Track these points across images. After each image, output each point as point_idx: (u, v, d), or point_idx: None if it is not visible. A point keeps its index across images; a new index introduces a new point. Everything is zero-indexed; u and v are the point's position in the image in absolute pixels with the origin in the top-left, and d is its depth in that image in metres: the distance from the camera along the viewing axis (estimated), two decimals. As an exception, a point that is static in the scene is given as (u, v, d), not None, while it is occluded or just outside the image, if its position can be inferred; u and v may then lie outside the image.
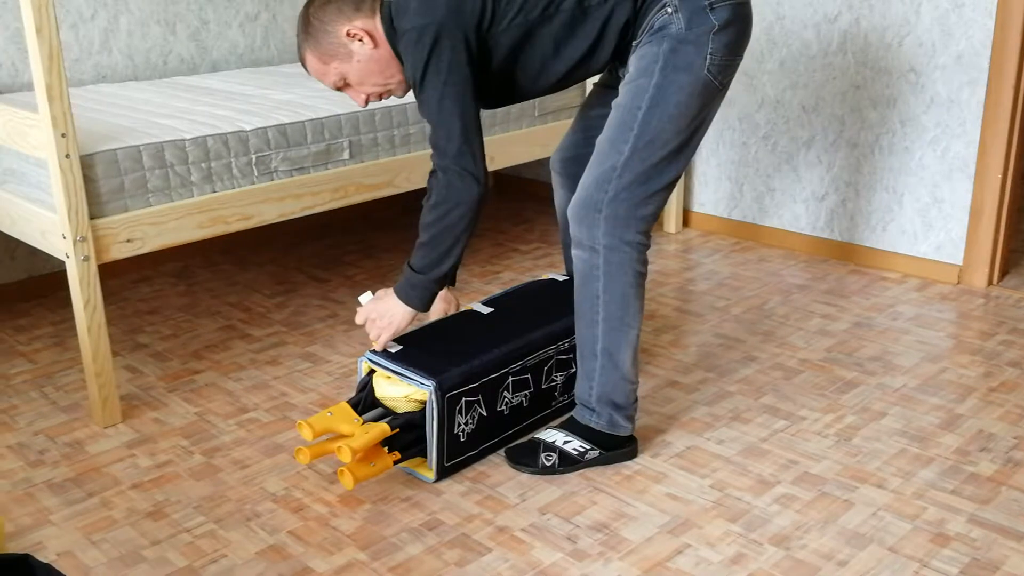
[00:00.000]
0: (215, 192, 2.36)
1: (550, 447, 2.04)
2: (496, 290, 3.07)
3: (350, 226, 3.82)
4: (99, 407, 2.24)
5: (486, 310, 2.24)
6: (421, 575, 1.73)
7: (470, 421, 2.02)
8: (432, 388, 1.92)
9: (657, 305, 2.93)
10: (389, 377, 1.99)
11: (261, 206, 2.43)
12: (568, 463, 2.03)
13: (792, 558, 1.76)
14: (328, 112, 2.57)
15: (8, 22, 2.91)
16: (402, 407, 1.98)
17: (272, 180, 2.46)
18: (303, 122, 2.50)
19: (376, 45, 1.93)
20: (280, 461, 2.11)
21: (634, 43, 1.92)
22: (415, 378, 1.94)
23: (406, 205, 4.09)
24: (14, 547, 1.82)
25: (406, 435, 1.95)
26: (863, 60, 3.10)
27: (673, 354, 2.60)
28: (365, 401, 2.01)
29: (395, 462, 1.94)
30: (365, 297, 2.09)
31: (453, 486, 2.00)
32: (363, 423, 1.94)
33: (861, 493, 1.96)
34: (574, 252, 1.97)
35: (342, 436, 1.93)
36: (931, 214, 3.07)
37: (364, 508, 1.93)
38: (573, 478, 2.03)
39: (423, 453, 1.99)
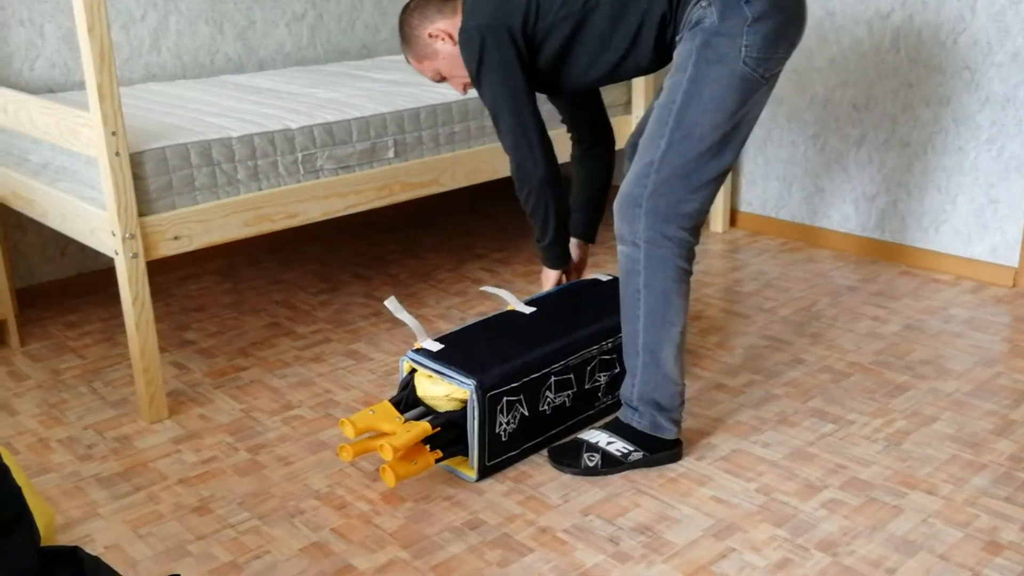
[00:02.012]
0: (261, 190, 2.37)
1: (593, 448, 2.03)
2: (537, 289, 3.05)
3: (394, 224, 3.84)
4: (146, 403, 2.27)
5: (528, 310, 2.23)
6: (463, 574, 1.73)
7: (512, 420, 2.01)
8: (473, 387, 1.91)
9: (703, 306, 2.90)
10: (431, 376, 1.99)
11: (306, 204, 2.45)
12: (611, 464, 2.02)
13: (839, 564, 1.73)
14: (373, 111, 2.58)
15: (61, 22, 2.96)
16: (443, 406, 1.98)
17: (317, 178, 2.47)
18: (349, 121, 2.51)
19: (456, 43, 2.11)
20: (324, 458, 2.12)
21: (676, 38, 1.93)
22: (456, 377, 1.94)
23: (450, 204, 4.09)
24: (64, 539, 1.85)
25: (447, 434, 1.95)
26: (916, 57, 3.04)
27: (719, 356, 2.57)
28: (407, 400, 2.01)
29: (436, 460, 1.94)
30: (390, 302, 2.10)
31: (495, 486, 2.00)
32: (405, 422, 1.94)
33: (911, 499, 1.92)
34: (618, 247, 1.97)
35: (384, 434, 1.93)
36: (986, 215, 3.00)
37: (406, 506, 1.93)
38: (616, 479, 2.01)
39: (465, 452, 1.99)
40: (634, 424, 2.03)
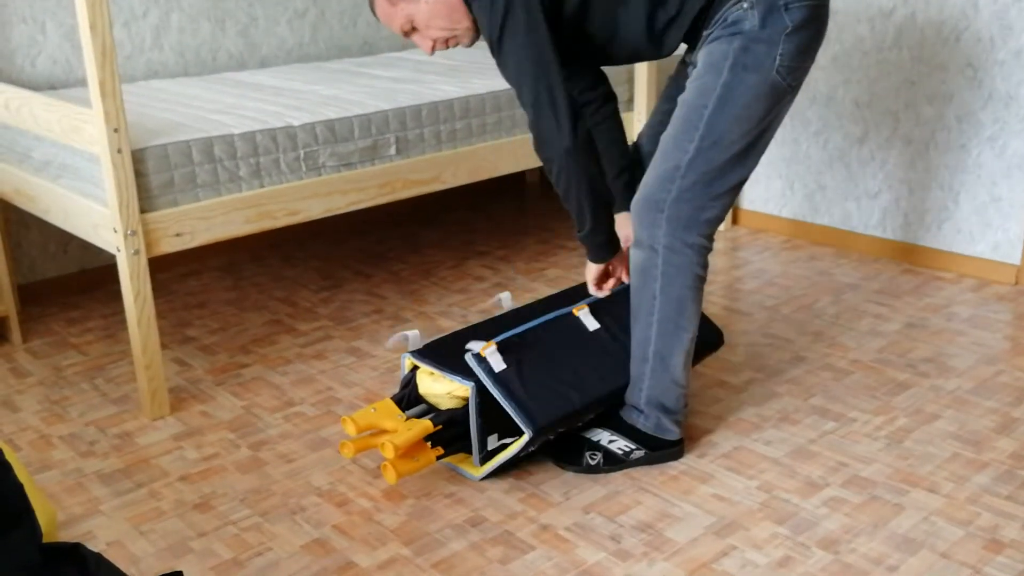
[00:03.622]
0: (263, 187, 2.37)
1: (595, 446, 2.03)
2: (541, 287, 3.05)
3: (396, 222, 3.83)
4: (148, 399, 2.27)
5: (593, 324, 2.18)
6: (464, 572, 1.73)
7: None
8: (473, 385, 1.91)
9: (705, 303, 2.90)
10: (432, 374, 1.99)
11: (308, 201, 2.45)
12: (612, 462, 2.02)
13: (840, 562, 1.73)
14: (375, 108, 2.58)
15: (63, 19, 2.96)
16: (445, 404, 1.98)
17: (319, 175, 2.47)
18: (351, 118, 2.51)
19: None
20: (325, 455, 2.12)
21: (705, 32, 1.86)
22: (457, 375, 1.94)
23: (452, 201, 4.09)
24: (65, 536, 1.85)
25: (449, 431, 1.95)
26: (919, 55, 3.03)
27: (720, 353, 2.57)
28: (409, 397, 2.01)
29: (438, 457, 1.94)
30: (412, 335, 2.07)
31: (497, 483, 2.00)
32: (406, 419, 1.94)
33: (912, 497, 1.92)
34: (633, 250, 1.94)
35: (385, 432, 1.94)
36: (988, 213, 3.00)
37: (408, 504, 1.93)
38: (618, 477, 2.01)
39: (467, 449, 1.99)
40: (638, 426, 2.03)
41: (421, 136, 2.66)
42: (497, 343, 1.94)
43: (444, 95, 2.73)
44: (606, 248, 2.00)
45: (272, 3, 3.41)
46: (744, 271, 3.16)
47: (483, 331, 2.13)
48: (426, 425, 1.89)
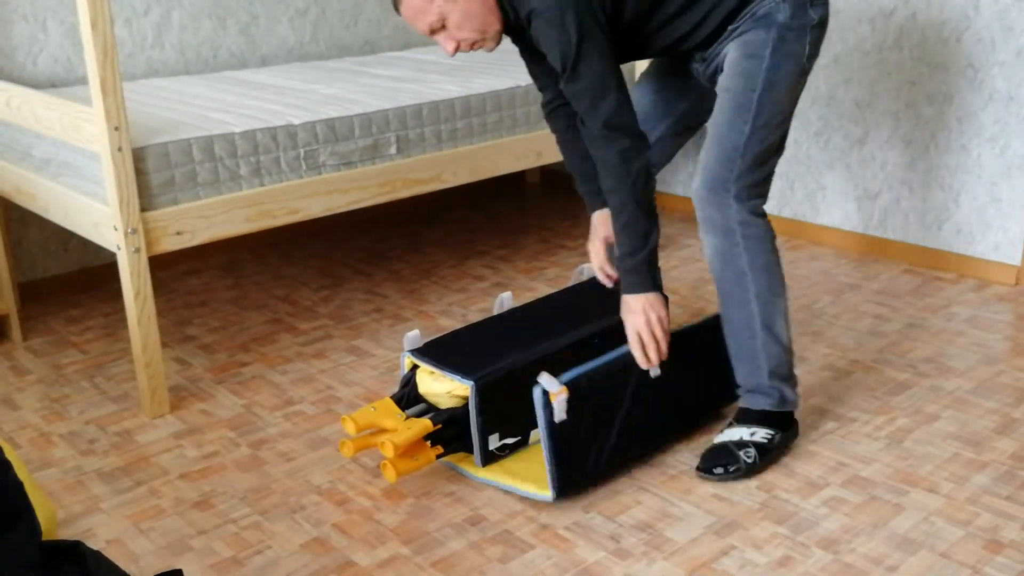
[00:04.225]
0: (263, 186, 2.37)
1: (745, 444, 2.00)
2: (542, 286, 3.06)
3: (396, 221, 3.84)
4: (148, 398, 2.27)
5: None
6: (463, 571, 1.73)
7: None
8: (473, 383, 1.91)
9: (705, 303, 2.90)
10: (432, 373, 1.99)
11: (308, 200, 2.45)
12: (765, 454, 2.01)
13: (840, 562, 1.73)
14: (376, 107, 2.58)
15: (64, 17, 2.96)
16: (444, 403, 1.98)
17: (320, 174, 2.47)
18: (351, 117, 2.51)
19: None
20: (325, 454, 2.12)
21: (730, 27, 1.94)
22: (457, 374, 1.94)
23: (452, 200, 4.09)
24: (65, 534, 1.85)
25: (449, 430, 1.95)
26: (919, 56, 3.03)
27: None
28: (408, 396, 2.01)
29: (438, 456, 1.94)
30: (412, 335, 2.06)
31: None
32: (406, 418, 1.94)
33: (912, 497, 1.92)
34: (706, 238, 1.98)
35: (385, 431, 1.94)
36: (988, 213, 3.00)
37: (407, 503, 1.93)
38: (617, 476, 2.01)
39: (467, 449, 1.99)
40: (766, 407, 2.04)
41: (422, 135, 2.66)
42: (567, 386, 1.85)
43: (445, 94, 2.73)
44: (658, 273, 1.95)
45: (273, 2, 3.41)
46: (744, 271, 3.16)
47: (487, 329, 2.13)
48: (426, 424, 1.90)
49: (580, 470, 1.90)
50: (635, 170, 1.87)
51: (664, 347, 1.96)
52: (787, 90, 1.92)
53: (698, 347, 2.10)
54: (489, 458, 1.99)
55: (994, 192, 2.97)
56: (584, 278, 2.27)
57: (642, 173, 1.88)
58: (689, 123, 2.22)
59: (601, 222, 2.19)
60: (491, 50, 1.97)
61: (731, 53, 1.94)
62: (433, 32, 1.89)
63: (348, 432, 1.93)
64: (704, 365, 2.12)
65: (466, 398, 1.96)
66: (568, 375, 1.88)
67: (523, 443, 2.05)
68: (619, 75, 1.87)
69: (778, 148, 1.97)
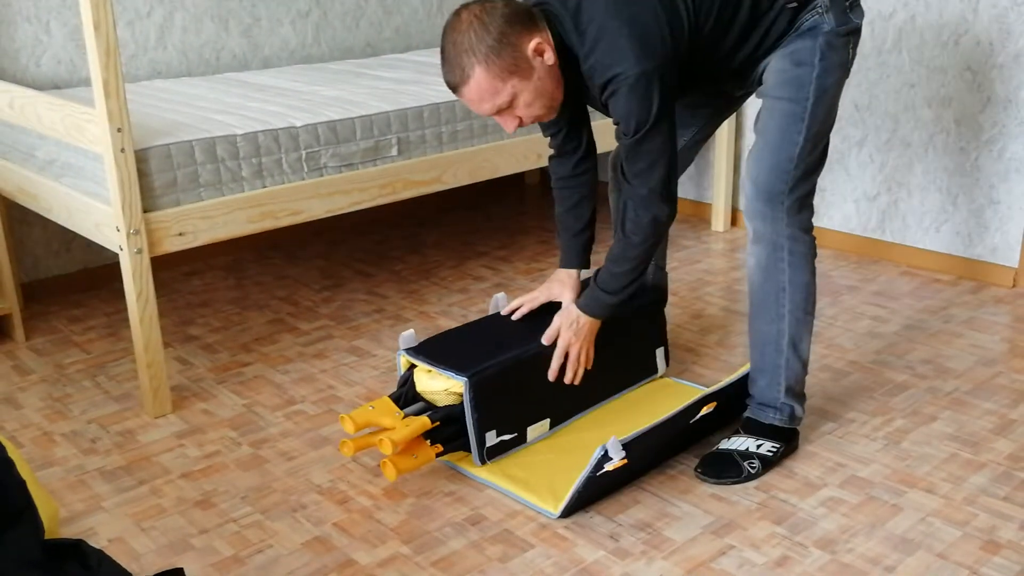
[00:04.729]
0: (265, 187, 2.38)
1: (751, 455, 2.01)
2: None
3: (397, 222, 3.85)
4: (150, 397, 2.28)
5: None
6: (463, 570, 1.74)
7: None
8: (467, 380, 1.92)
9: (704, 304, 2.91)
10: (429, 371, 2.01)
11: (310, 201, 2.46)
12: (767, 466, 2.02)
13: (838, 562, 1.74)
14: (377, 109, 2.59)
15: (67, 19, 2.97)
16: (442, 400, 1.99)
17: (321, 176, 2.48)
18: (352, 119, 2.52)
19: (555, 61, 1.80)
20: (326, 453, 2.13)
21: (778, 42, 1.91)
22: (453, 371, 1.95)
23: (453, 201, 4.11)
24: (67, 533, 1.86)
25: (447, 428, 1.96)
26: (918, 58, 3.05)
27: (720, 354, 2.58)
28: (407, 395, 2.02)
29: (437, 455, 1.95)
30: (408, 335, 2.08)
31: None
32: (404, 416, 1.95)
33: (910, 498, 1.93)
34: (752, 248, 1.97)
35: (384, 429, 1.95)
36: (986, 215, 3.01)
37: (408, 502, 1.94)
38: (616, 476, 2.02)
39: (466, 447, 2.00)
40: (776, 422, 2.05)
41: (422, 137, 2.67)
42: (625, 449, 1.80)
43: (446, 96, 2.74)
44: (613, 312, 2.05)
45: (275, 4, 3.43)
46: (743, 272, 3.17)
47: (482, 328, 2.15)
48: (424, 421, 1.91)
49: (593, 498, 1.92)
50: (658, 236, 1.92)
51: (580, 372, 2.08)
52: (834, 97, 1.90)
53: (733, 400, 2.11)
54: (487, 455, 2.00)
55: (992, 194, 2.98)
56: (497, 308, 2.24)
57: (661, 240, 1.94)
58: (709, 131, 2.24)
59: (559, 282, 2.15)
60: (548, 119, 1.94)
61: (776, 63, 1.90)
62: (497, 112, 1.82)
63: (346, 431, 1.94)
64: (731, 410, 2.15)
65: (462, 395, 1.97)
66: (628, 438, 1.81)
67: (521, 439, 2.07)
68: (675, 143, 1.86)
69: (823, 157, 1.94)
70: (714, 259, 3.31)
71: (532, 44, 1.75)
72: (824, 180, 3.37)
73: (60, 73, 3.00)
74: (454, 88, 1.79)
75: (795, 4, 1.86)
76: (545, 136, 2.15)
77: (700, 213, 3.80)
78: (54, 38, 2.96)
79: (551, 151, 2.16)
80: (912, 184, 3.16)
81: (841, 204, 3.36)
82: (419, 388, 2.02)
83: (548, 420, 2.12)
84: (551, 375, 2.06)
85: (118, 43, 2.03)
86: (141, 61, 3.17)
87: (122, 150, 2.09)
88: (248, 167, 2.35)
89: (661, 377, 2.39)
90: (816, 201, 3.41)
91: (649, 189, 1.87)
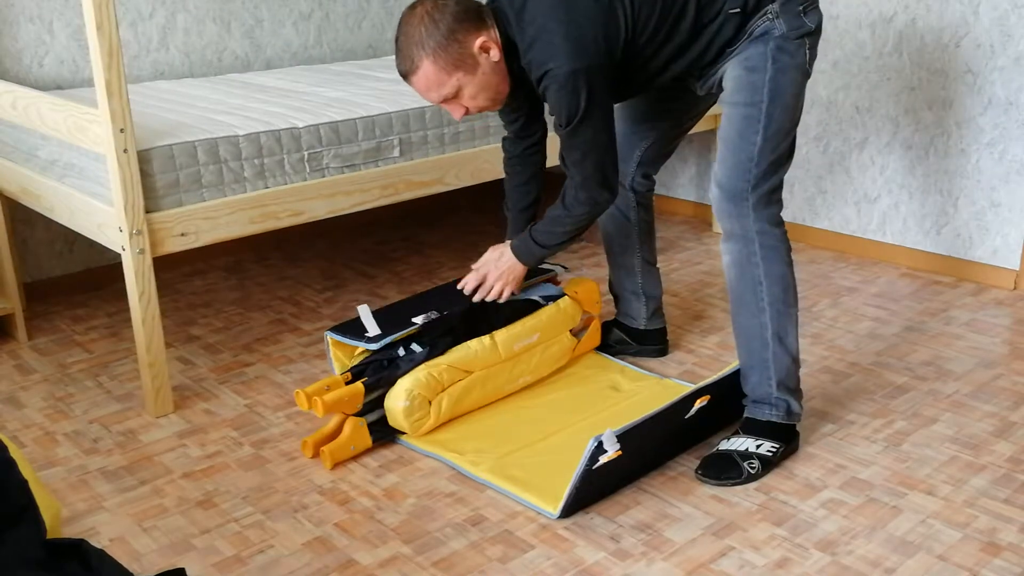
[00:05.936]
0: (267, 188, 2.39)
1: (751, 456, 2.01)
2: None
3: (399, 223, 3.85)
4: (152, 397, 2.28)
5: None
6: (464, 570, 1.74)
7: None
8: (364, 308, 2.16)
9: (704, 306, 2.92)
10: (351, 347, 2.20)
11: (312, 202, 2.46)
12: (767, 466, 2.02)
13: (838, 564, 1.74)
14: (379, 110, 2.59)
15: (70, 19, 2.98)
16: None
17: (323, 177, 2.49)
18: (354, 120, 2.53)
19: (500, 58, 1.95)
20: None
21: (728, 49, 1.97)
22: (361, 342, 2.14)
23: (454, 202, 4.11)
24: (69, 532, 1.87)
25: (371, 375, 2.12)
26: (919, 61, 3.05)
27: (720, 355, 2.58)
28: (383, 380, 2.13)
29: (373, 441, 2.11)
30: (363, 309, 2.21)
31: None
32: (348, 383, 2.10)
33: (910, 500, 1.93)
34: (725, 246, 2.03)
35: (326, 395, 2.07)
36: (987, 218, 3.02)
37: (409, 503, 1.95)
38: (617, 478, 2.02)
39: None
40: (773, 419, 2.05)
41: (424, 138, 2.68)
42: (620, 441, 1.81)
43: (447, 97, 2.75)
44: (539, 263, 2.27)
45: (278, 5, 3.43)
46: (745, 274, 3.17)
47: (429, 302, 2.29)
48: (357, 386, 2.07)
49: (591, 497, 1.92)
50: (595, 214, 2.09)
51: (506, 295, 2.25)
52: (792, 97, 1.95)
53: (728, 396, 2.11)
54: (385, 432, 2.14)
55: (993, 197, 2.99)
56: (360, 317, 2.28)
57: (598, 215, 2.11)
58: (686, 124, 2.33)
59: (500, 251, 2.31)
60: (496, 110, 2.10)
61: (731, 70, 1.97)
62: (445, 100, 1.97)
63: (300, 405, 2.05)
64: (727, 409, 2.15)
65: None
66: (622, 429, 1.82)
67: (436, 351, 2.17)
68: (612, 135, 1.99)
69: (789, 155, 1.99)
70: (715, 261, 3.31)
71: (479, 42, 1.91)
72: (825, 182, 3.38)
73: (63, 74, 3.00)
74: (404, 76, 1.95)
75: (737, 10, 1.92)
76: (504, 122, 2.30)
77: (701, 215, 3.80)
78: (57, 39, 2.97)
79: (505, 132, 2.33)
80: (913, 186, 3.17)
81: (842, 206, 3.36)
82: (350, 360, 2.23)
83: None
84: (463, 285, 2.27)
85: (121, 44, 2.04)
86: (144, 62, 3.17)
87: (125, 151, 2.10)
88: (250, 168, 2.35)
89: (558, 277, 2.52)
90: (817, 203, 3.41)
91: (584, 176, 2.03)
